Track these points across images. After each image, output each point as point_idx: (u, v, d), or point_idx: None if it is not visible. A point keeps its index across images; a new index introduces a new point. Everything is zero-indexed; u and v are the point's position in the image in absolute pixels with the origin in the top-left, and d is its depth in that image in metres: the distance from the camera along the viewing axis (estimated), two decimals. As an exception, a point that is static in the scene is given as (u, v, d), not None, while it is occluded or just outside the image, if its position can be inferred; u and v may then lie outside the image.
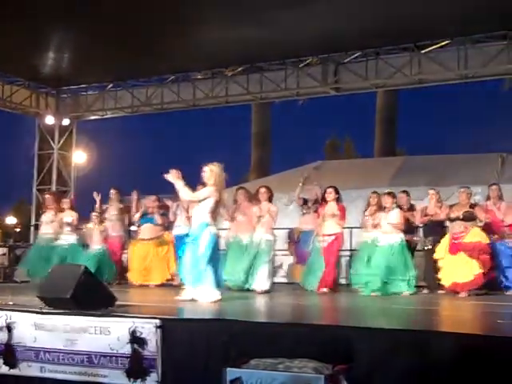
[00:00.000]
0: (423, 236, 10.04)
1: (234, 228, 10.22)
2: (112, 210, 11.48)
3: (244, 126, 25.62)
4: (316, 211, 10.16)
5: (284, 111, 28.06)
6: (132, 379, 5.50)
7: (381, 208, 9.53)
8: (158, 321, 5.52)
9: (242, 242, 9.98)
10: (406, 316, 7.07)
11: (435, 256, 9.49)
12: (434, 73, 13.33)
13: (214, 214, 7.92)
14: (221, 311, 7.02)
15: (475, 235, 9.16)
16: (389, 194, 9.59)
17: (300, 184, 10.67)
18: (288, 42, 12.67)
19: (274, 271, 10.31)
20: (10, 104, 15.93)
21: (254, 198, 10.00)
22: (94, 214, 11.21)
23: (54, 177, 16.74)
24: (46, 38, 12.79)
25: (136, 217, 11.33)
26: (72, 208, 11.74)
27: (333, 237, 9.51)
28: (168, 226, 11.13)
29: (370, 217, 9.61)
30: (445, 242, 9.42)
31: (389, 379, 4.50)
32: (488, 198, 9.98)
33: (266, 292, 9.43)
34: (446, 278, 9.26)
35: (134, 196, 11.34)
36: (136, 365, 5.48)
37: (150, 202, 11.21)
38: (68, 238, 11.33)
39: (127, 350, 5.53)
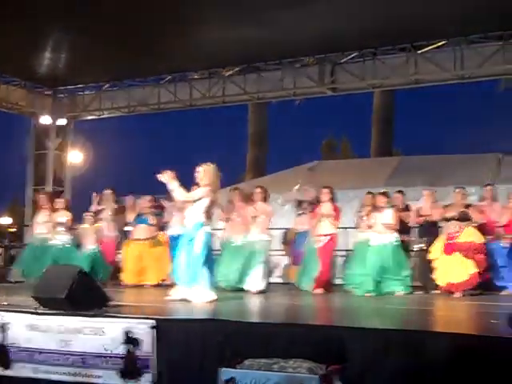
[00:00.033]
0: (418, 236, 10.04)
1: (229, 228, 10.23)
2: (107, 211, 11.46)
3: (241, 126, 25.63)
4: (312, 211, 10.15)
5: (281, 111, 28.07)
6: (126, 380, 5.50)
7: (375, 208, 9.55)
8: (152, 321, 5.52)
9: (236, 242, 9.99)
10: (400, 316, 7.09)
11: (430, 256, 9.50)
12: (431, 73, 13.34)
13: (209, 214, 7.93)
14: (216, 311, 7.02)
15: (470, 235, 9.17)
16: (383, 193, 9.62)
17: (295, 189, 10.69)
18: (285, 42, 12.66)
19: (269, 271, 10.30)
20: (5, 104, 15.89)
21: (249, 198, 10.00)
22: (87, 213, 11.19)
23: (50, 177, 16.70)
24: (42, 38, 12.75)
25: (131, 217, 11.34)
26: (66, 208, 11.74)
27: (328, 237, 9.51)
28: (163, 226, 11.13)
29: (366, 217, 9.61)
30: (440, 242, 9.42)
31: (382, 379, 4.51)
32: (483, 199, 10.00)
33: (261, 292, 9.43)
34: (441, 278, 9.27)
35: (130, 202, 11.32)
36: (130, 365, 5.48)
37: (144, 202, 11.20)
38: (62, 238, 11.31)
39: (121, 350, 5.54)
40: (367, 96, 21.56)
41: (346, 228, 10.97)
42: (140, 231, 11.18)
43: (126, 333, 5.54)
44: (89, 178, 20.10)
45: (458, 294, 8.98)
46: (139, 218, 11.17)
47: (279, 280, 12.24)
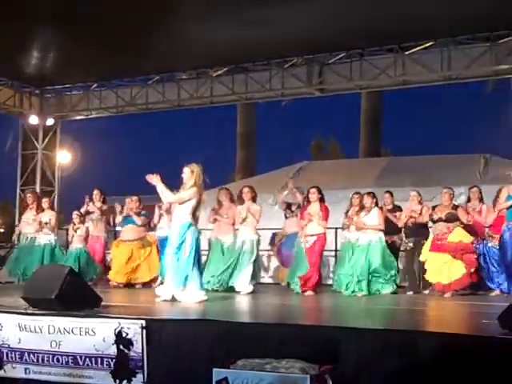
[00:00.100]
0: (405, 237, 10.07)
1: (217, 228, 10.22)
2: (95, 211, 11.43)
3: (229, 126, 25.63)
4: (301, 214, 10.12)
5: (269, 111, 28.07)
6: (118, 380, 5.49)
7: (362, 208, 9.59)
8: (143, 321, 5.51)
9: (225, 242, 10.00)
10: (392, 316, 7.12)
11: (421, 258, 9.55)
12: (418, 74, 13.39)
13: (195, 214, 7.94)
14: (206, 312, 7.02)
15: (458, 235, 9.20)
16: (368, 194, 9.63)
17: (285, 192, 10.69)
18: (273, 42, 12.68)
19: (259, 271, 10.30)
20: (-7, 103, 15.84)
21: (237, 198, 10.00)
22: (75, 213, 11.16)
23: (38, 177, 16.66)
24: (30, 38, 12.71)
25: (118, 219, 11.32)
26: (51, 208, 11.70)
27: (315, 237, 9.49)
28: (150, 226, 11.11)
29: (356, 216, 9.62)
30: (428, 243, 9.47)
31: (376, 379, 4.53)
32: (469, 200, 10.05)
33: (251, 293, 9.42)
34: (432, 277, 9.30)
35: (118, 208, 11.31)
36: (122, 366, 5.47)
37: (131, 202, 11.16)
38: (47, 238, 11.29)
39: (113, 350, 5.53)
40: (355, 97, 21.65)
41: (335, 228, 11.00)
42: (128, 232, 11.14)
43: (117, 333, 5.53)
44: (77, 177, 20.06)
45: (448, 294, 9.01)
46: (127, 219, 11.15)
47: (270, 280, 12.26)
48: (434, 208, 9.60)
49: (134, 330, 5.48)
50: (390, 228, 9.87)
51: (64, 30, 12.09)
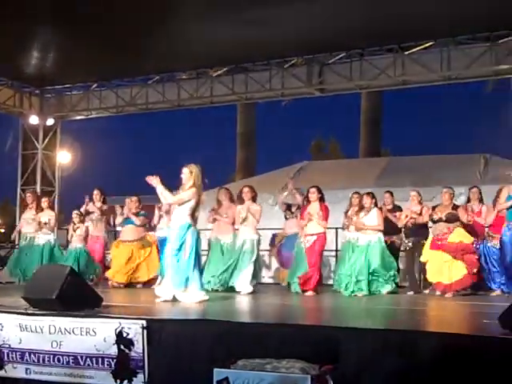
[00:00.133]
0: (404, 237, 10.07)
1: (216, 228, 10.22)
2: (95, 211, 11.44)
3: (229, 126, 25.65)
4: (301, 214, 10.11)
5: (269, 111, 28.10)
6: (118, 380, 5.50)
7: (362, 208, 9.58)
8: (144, 321, 5.52)
9: (224, 242, 9.99)
10: (392, 316, 7.12)
11: (421, 259, 9.55)
12: (418, 74, 13.40)
13: (195, 215, 7.95)
14: (207, 312, 7.02)
15: (458, 235, 9.19)
16: (368, 194, 9.63)
17: (285, 193, 10.68)
18: (273, 42, 12.68)
19: (259, 271, 10.29)
20: (-7, 103, 15.85)
21: (237, 198, 9.99)
22: (75, 212, 11.17)
23: (39, 177, 16.66)
24: (30, 38, 12.71)
25: (118, 221, 11.33)
26: (50, 207, 11.71)
27: (315, 237, 9.47)
28: (150, 226, 11.11)
29: (355, 216, 9.62)
30: (428, 243, 9.47)
31: (376, 379, 4.53)
32: (468, 201, 10.06)
33: (251, 293, 9.41)
34: (432, 276, 9.30)
35: (119, 210, 11.33)
36: (122, 366, 5.47)
37: (130, 203, 11.16)
38: (47, 238, 11.31)
39: (113, 350, 5.53)
40: (355, 97, 21.66)
41: (336, 228, 11.00)
42: (128, 232, 11.14)
43: (118, 333, 5.53)
44: (77, 177, 20.08)
45: (449, 294, 9.01)
46: (127, 219, 11.15)
47: (270, 280, 12.26)
48: (434, 208, 9.59)
49: (134, 330, 5.48)
50: (389, 228, 9.87)
51: (64, 29, 12.09)
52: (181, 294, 7.77)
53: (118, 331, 5.53)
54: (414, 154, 17.40)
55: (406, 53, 13.18)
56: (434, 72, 13.13)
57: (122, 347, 5.50)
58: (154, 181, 7.94)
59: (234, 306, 8.18)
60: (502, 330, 4.73)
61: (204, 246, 10.07)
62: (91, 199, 11.49)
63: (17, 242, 12.31)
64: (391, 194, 10.74)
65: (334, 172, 15.01)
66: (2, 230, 27.57)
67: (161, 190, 8.00)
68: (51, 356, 5.77)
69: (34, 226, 11.40)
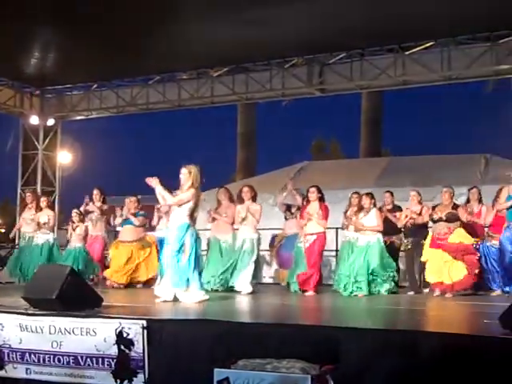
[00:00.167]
0: (403, 237, 10.07)
1: (215, 228, 10.20)
2: (95, 210, 11.44)
3: (229, 127, 25.67)
4: (301, 215, 10.10)
5: (269, 112, 28.11)
6: (119, 380, 5.50)
7: (361, 209, 9.58)
8: (144, 321, 5.52)
9: (224, 242, 9.98)
10: (393, 316, 7.12)
11: (422, 259, 9.54)
12: (418, 74, 13.40)
13: (193, 215, 7.96)
14: (207, 312, 7.02)
15: (458, 236, 9.19)
16: (367, 194, 9.61)
17: (284, 194, 10.67)
18: (273, 42, 12.68)
19: (260, 271, 10.28)
20: (-7, 104, 15.85)
21: (237, 198, 9.98)
22: (74, 211, 11.17)
23: (39, 177, 16.67)
24: (30, 38, 12.71)
25: (118, 221, 11.34)
26: (49, 207, 11.72)
27: (314, 236, 9.47)
28: (150, 225, 11.11)
29: (354, 216, 9.62)
30: (428, 242, 9.46)
31: (376, 379, 4.53)
32: (468, 201, 10.06)
33: (250, 293, 9.40)
34: (431, 277, 9.29)
35: (119, 212, 11.35)
36: (123, 366, 5.47)
37: (130, 203, 11.16)
38: (45, 237, 11.31)
39: (114, 350, 5.54)
40: (355, 97, 21.67)
41: (336, 228, 11.00)
42: (127, 233, 11.12)
43: (118, 333, 5.53)
44: (77, 178, 20.08)
45: (449, 295, 9.01)
46: (125, 221, 11.15)
47: (270, 280, 12.25)
48: (434, 208, 9.58)
49: (134, 330, 5.48)
50: (389, 228, 9.87)
51: (64, 29, 12.09)
52: (181, 293, 7.77)
53: (118, 331, 5.53)
54: (414, 154, 17.41)
55: (407, 53, 13.18)
56: (435, 72, 13.14)
57: (122, 347, 5.50)
58: (153, 182, 7.97)
59: (234, 306, 8.18)
60: (503, 330, 4.73)
61: (204, 246, 10.09)
62: (91, 199, 11.50)
63: (17, 242, 12.31)
64: (391, 193, 10.73)
65: (335, 172, 15.02)
66: (3, 230, 27.56)
67: (160, 191, 8.02)
68: (51, 356, 5.77)
69: (33, 226, 11.41)
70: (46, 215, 11.43)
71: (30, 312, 6.08)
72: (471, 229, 9.54)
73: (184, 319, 6.01)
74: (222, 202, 10.17)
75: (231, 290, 9.61)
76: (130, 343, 5.48)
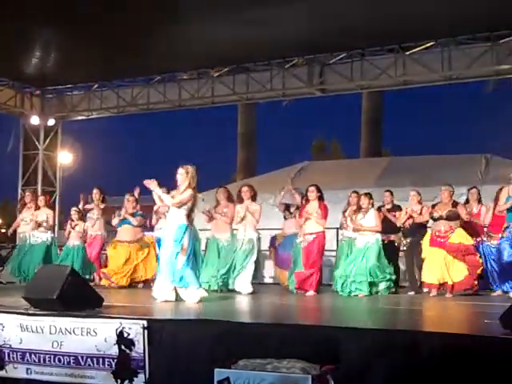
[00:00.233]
0: (403, 236, 10.07)
1: (213, 227, 10.18)
2: (94, 210, 11.44)
3: (230, 127, 25.69)
4: (300, 214, 10.09)
5: (270, 112, 28.14)
6: (119, 380, 5.50)
7: (360, 209, 9.57)
8: (144, 321, 5.52)
9: (223, 241, 9.97)
10: (393, 316, 7.11)
11: (422, 256, 9.54)
12: (419, 74, 13.40)
13: (191, 216, 7.96)
14: (207, 312, 7.02)
15: (459, 236, 9.18)
16: (366, 195, 9.60)
17: (282, 193, 10.66)
18: (273, 42, 12.68)
19: (260, 271, 10.28)
20: (-6, 104, 15.86)
21: (237, 197, 9.96)
22: (73, 209, 11.17)
23: (40, 177, 16.68)
24: (30, 38, 12.71)
25: (115, 222, 11.32)
26: (47, 206, 11.72)
27: (314, 235, 9.46)
28: (150, 225, 11.10)
29: (353, 215, 9.61)
30: (427, 241, 9.45)
31: (377, 379, 4.53)
32: (467, 201, 10.06)
33: (250, 293, 9.39)
34: (429, 277, 9.28)
35: (117, 214, 11.37)
36: (123, 366, 5.47)
37: (127, 202, 11.13)
38: (44, 236, 11.31)
39: (114, 351, 5.53)
40: (356, 97, 21.69)
41: (336, 228, 11.00)
42: (124, 232, 11.04)
43: (119, 333, 5.53)
44: (78, 178, 20.09)
45: (449, 294, 9.02)
46: (123, 221, 11.15)
47: (270, 280, 12.25)
48: (433, 206, 9.58)
49: (135, 330, 5.48)
50: (388, 227, 9.87)
51: (64, 29, 12.10)
52: (181, 291, 7.78)
53: (118, 331, 5.54)
54: (414, 154, 17.44)
55: (407, 53, 13.18)
56: (435, 72, 13.14)
57: (122, 347, 5.51)
58: (151, 184, 7.97)
59: (234, 306, 8.18)
60: (503, 330, 4.73)
61: (203, 246, 10.09)
62: (92, 199, 11.49)
63: (17, 242, 12.30)
64: (391, 193, 10.73)
65: (335, 172, 15.04)
66: (3, 230, 27.57)
67: (159, 193, 8.03)
68: (52, 356, 5.77)
69: (32, 225, 11.41)
70: (45, 214, 11.43)
71: (30, 312, 6.08)
72: (471, 229, 9.54)
73: (184, 319, 6.00)
74: (221, 202, 10.15)
75: (231, 290, 9.59)
76: (130, 343, 5.48)
